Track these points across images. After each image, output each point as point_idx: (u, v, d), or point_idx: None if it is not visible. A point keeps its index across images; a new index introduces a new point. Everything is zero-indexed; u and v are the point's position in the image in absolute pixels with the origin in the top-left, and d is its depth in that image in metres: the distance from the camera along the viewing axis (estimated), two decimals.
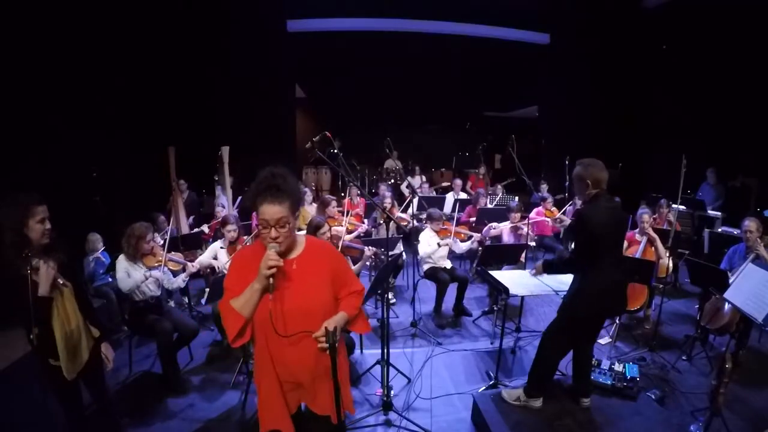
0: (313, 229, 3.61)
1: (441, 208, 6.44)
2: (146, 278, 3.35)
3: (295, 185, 1.69)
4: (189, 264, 3.83)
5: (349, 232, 4.93)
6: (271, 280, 1.59)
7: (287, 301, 1.67)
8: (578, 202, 5.50)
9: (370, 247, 3.99)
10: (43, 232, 2.05)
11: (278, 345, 1.68)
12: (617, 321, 4.11)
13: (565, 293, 2.84)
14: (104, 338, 2.38)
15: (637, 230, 4.48)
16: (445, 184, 9.39)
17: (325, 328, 1.61)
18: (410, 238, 5.18)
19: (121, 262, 3.35)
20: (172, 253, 3.87)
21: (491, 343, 4.14)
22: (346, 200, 6.09)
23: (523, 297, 3.82)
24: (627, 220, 3.03)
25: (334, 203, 4.92)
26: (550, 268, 2.98)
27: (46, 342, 2.06)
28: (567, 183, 7.17)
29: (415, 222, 5.95)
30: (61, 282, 2.10)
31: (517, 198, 7.29)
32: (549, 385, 2.97)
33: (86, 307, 2.29)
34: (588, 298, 2.62)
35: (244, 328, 1.65)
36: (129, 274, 3.31)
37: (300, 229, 5.42)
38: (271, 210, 1.60)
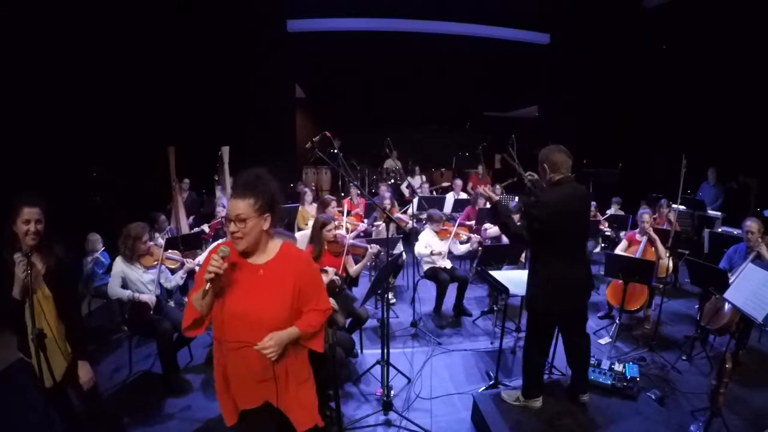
0: (320, 226, 3.60)
1: (441, 208, 6.43)
2: (133, 294, 3.29)
3: (268, 187, 1.68)
4: (187, 261, 3.82)
5: (348, 231, 4.93)
6: (207, 285, 1.59)
7: (241, 308, 1.67)
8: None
9: (373, 245, 4.00)
10: (27, 232, 2.02)
11: (227, 346, 1.72)
12: (617, 321, 4.11)
13: None
14: (81, 357, 2.24)
15: (638, 230, 4.48)
16: (445, 184, 9.39)
17: (325, 329, 1.60)
18: (410, 238, 5.17)
19: (118, 264, 3.33)
20: (170, 251, 3.86)
21: (491, 343, 4.14)
22: (346, 200, 6.09)
23: (523, 297, 3.81)
24: (588, 210, 2.83)
25: (333, 203, 4.91)
26: (497, 210, 2.62)
27: (24, 342, 2.06)
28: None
29: (413, 223, 5.94)
30: (33, 287, 1.97)
31: (516, 198, 7.28)
32: (546, 385, 2.97)
33: (68, 320, 2.19)
34: (539, 294, 2.59)
35: (199, 322, 1.72)
36: (123, 279, 3.29)
37: (300, 229, 5.47)
38: (233, 204, 1.64)
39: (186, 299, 4.65)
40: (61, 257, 2.19)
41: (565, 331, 2.85)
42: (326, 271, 3.33)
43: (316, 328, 1.78)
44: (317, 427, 1.80)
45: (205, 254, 4.18)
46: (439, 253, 4.61)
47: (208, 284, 1.59)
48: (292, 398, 1.76)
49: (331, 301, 2.90)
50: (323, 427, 1.82)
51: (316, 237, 3.65)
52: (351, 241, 4.00)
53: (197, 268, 3.85)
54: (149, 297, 3.35)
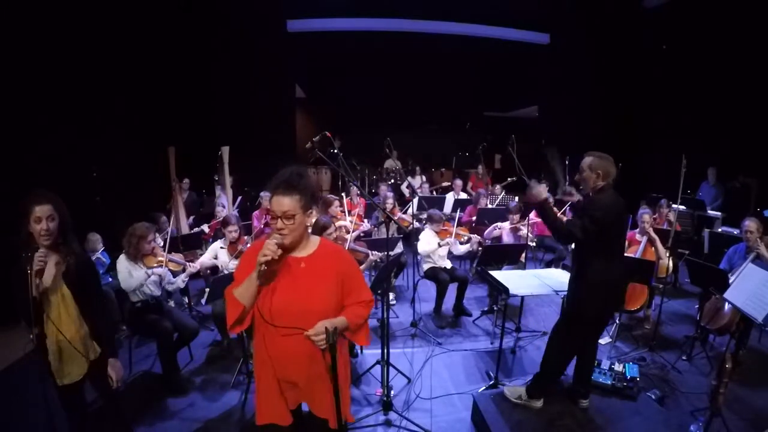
0: (320, 229, 3.58)
1: (441, 208, 6.43)
2: (149, 276, 3.35)
3: (309, 184, 1.73)
4: (189, 264, 3.83)
5: (349, 231, 4.93)
6: (262, 267, 1.61)
7: (288, 298, 1.68)
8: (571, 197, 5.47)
9: (375, 252, 3.98)
10: (40, 231, 1.99)
11: (273, 341, 1.70)
12: (617, 321, 4.11)
13: (564, 293, 2.82)
14: (111, 355, 2.21)
15: (638, 230, 4.48)
16: (445, 184, 9.38)
17: (325, 327, 1.61)
18: (410, 238, 5.18)
19: (122, 261, 3.35)
20: (173, 253, 3.87)
21: (491, 343, 4.14)
22: (346, 200, 6.10)
23: (523, 297, 3.82)
24: (628, 220, 3.05)
25: (336, 203, 4.90)
26: (545, 209, 2.63)
27: (43, 342, 2.03)
28: (567, 183, 7.16)
29: (415, 223, 5.95)
30: (48, 287, 1.98)
31: (516, 198, 7.28)
32: (550, 386, 2.97)
33: (93, 319, 2.15)
34: (593, 298, 2.60)
35: (242, 316, 1.69)
36: (131, 273, 3.31)
37: None
38: (279, 202, 1.66)
39: (186, 299, 4.73)
40: (80, 254, 2.15)
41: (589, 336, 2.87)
42: None
43: (363, 318, 1.81)
44: (346, 424, 1.79)
45: (207, 254, 4.19)
46: (446, 244, 4.62)
47: (263, 266, 1.60)
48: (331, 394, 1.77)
49: None
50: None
51: None
52: (352, 245, 3.99)
53: (227, 268, 3.88)
54: (162, 270, 3.45)
